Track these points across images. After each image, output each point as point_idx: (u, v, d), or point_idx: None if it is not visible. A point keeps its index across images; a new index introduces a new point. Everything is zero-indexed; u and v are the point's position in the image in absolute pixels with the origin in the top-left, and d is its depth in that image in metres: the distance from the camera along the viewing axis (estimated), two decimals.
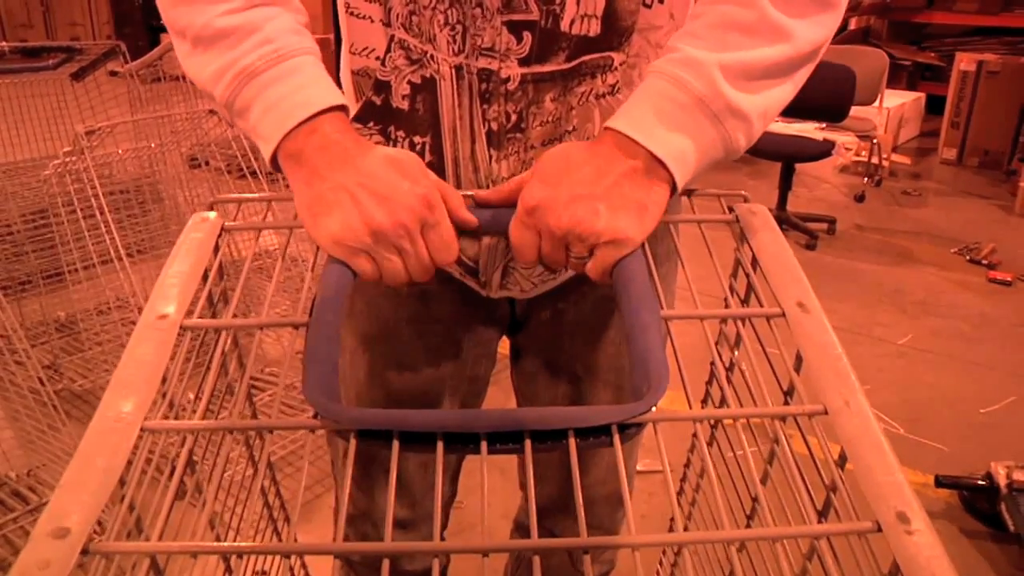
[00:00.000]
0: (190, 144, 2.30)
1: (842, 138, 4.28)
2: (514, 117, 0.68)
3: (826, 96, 3.17)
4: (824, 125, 3.94)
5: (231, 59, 0.61)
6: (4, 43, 2.46)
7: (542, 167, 0.61)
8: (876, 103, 3.94)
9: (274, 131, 0.60)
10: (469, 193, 0.64)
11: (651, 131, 0.59)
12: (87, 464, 0.44)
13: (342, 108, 0.62)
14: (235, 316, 0.58)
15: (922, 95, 5.20)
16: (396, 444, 0.46)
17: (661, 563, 1.03)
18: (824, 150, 3.44)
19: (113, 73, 2.58)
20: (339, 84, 0.69)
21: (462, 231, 0.62)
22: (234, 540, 0.71)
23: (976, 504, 1.77)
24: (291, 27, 0.63)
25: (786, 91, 0.63)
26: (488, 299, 0.81)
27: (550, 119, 0.69)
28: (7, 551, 1.53)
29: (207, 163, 2.36)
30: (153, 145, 2.24)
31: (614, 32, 0.66)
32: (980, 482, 1.74)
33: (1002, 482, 1.69)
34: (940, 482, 1.77)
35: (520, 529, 1.12)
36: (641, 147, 0.59)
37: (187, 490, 0.56)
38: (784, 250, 0.59)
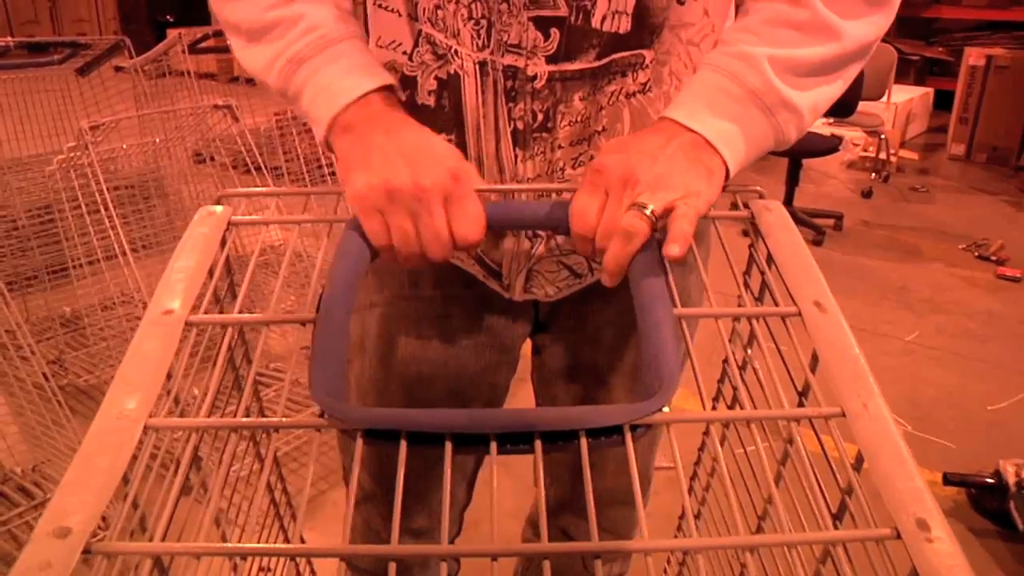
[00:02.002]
0: (195, 139, 2.30)
1: (849, 133, 4.25)
2: (540, 116, 0.67)
3: None
4: (831, 120, 3.91)
5: (280, 48, 0.65)
6: (10, 39, 2.45)
7: (605, 147, 0.63)
8: (884, 98, 3.92)
9: (325, 112, 0.63)
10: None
11: (702, 118, 0.61)
12: (89, 463, 0.43)
13: (390, 88, 0.64)
14: (241, 312, 0.57)
15: (930, 90, 5.17)
16: (404, 444, 0.45)
17: (669, 561, 1.02)
18: (831, 145, 3.42)
19: (118, 68, 2.58)
20: None
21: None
22: (239, 537, 0.70)
23: (984, 502, 1.75)
24: (335, 14, 0.66)
25: (836, 87, 0.65)
26: (510, 304, 0.79)
27: (579, 119, 0.67)
28: (12, 546, 1.53)
29: (212, 158, 2.35)
30: (158, 140, 2.24)
31: (645, 29, 0.65)
32: (988, 480, 1.73)
33: (1011, 480, 1.68)
34: (948, 480, 1.76)
35: (533, 528, 1.11)
36: (693, 131, 0.61)
37: (192, 486, 0.55)
38: (801, 248, 0.58)
